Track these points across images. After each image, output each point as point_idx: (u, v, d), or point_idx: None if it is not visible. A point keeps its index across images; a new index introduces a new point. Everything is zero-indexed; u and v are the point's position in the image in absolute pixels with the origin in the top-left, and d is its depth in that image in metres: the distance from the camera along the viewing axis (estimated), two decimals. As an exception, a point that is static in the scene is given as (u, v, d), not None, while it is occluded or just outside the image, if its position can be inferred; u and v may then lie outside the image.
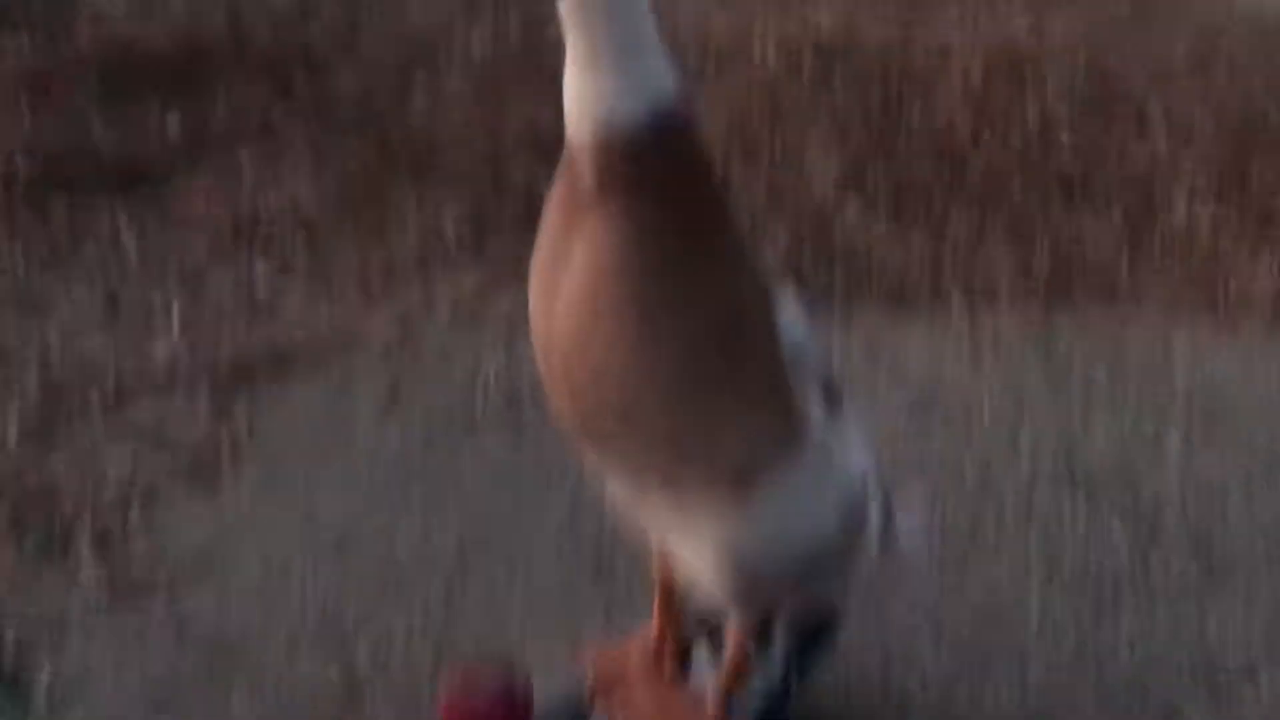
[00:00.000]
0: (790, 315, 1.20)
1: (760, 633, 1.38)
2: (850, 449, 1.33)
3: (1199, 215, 3.32)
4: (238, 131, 3.41)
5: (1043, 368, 2.42)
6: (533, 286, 1.17)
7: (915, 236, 3.15)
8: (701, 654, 1.41)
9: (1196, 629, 1.78)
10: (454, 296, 2.61)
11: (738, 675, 1.33)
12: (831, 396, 1.26)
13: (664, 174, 1.05)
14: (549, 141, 3.47)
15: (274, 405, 2.19)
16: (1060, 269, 3.02)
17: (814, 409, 1.21)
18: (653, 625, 1.45)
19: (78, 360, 2.27)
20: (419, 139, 3.48)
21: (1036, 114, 3.97)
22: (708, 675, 1.37)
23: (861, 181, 3.45)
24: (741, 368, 1.11)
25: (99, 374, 2.23)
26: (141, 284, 2.58)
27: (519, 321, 2.52)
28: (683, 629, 1.47)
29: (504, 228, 2.98)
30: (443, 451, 2.08)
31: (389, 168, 3.28)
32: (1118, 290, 2.90)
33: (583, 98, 1.05)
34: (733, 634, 1.29)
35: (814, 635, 1.49)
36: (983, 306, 2.81)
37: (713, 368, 1.09)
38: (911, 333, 2.57)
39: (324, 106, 3.63)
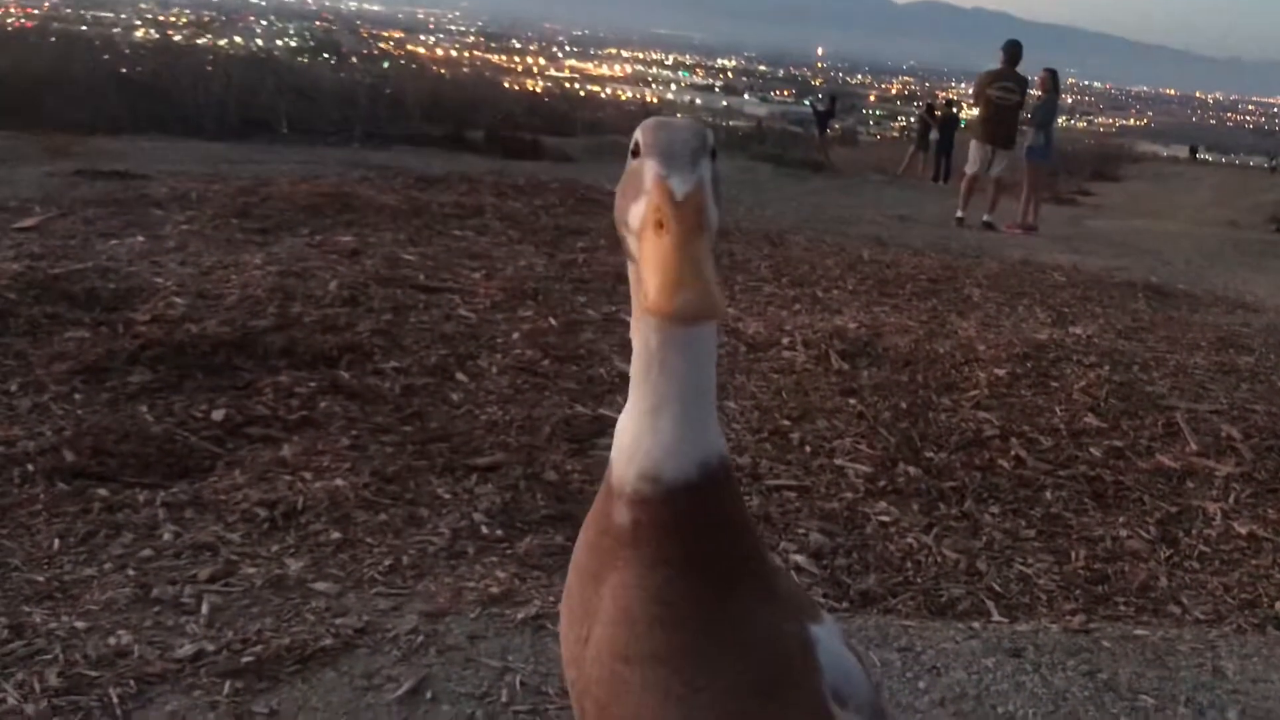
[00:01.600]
0: (833, 644, 1.17)
1: None
2: None
3: (1234, 515, 3.29)
4: (280, 422, 3.49)
5: (1085, 676, 2.34)
6: (564, 628, 1.17)
7: (949, 539, 3.14)
8: None
9: None
10: (483, 591, 2.58)
11: None
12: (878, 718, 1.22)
13: (701, 525, 1.07)
14: (582, 437, 3.56)
15: (297, 704, 2.13)
16: (1096, 570, 2.98)
17: None
18: None
19: (101, 651, 2.24)
20: (456, 432, 3.55)
21: (1065, 417, 4.02)
22: None
23: (893, 481, 3.47)
24: (779, 712, 1.08)
25: (123, 667, 2.19)
26: (173, 575, 2.58)
27: (547, 620, 2.50)
28: None
29: (536, 522, 2.99)
30: (465, 756, 2.00)
31: (426, 460, 3.33)
32: (1158, 594, 2.85)
33: (637, 446, 1.08)
34: None
35: None
36: (1021, 613, 2.75)
37: (750, 715, 1.07)
38: (947, 633, 2.51)
39: (366, 398, 3.73)
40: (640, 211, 1.04)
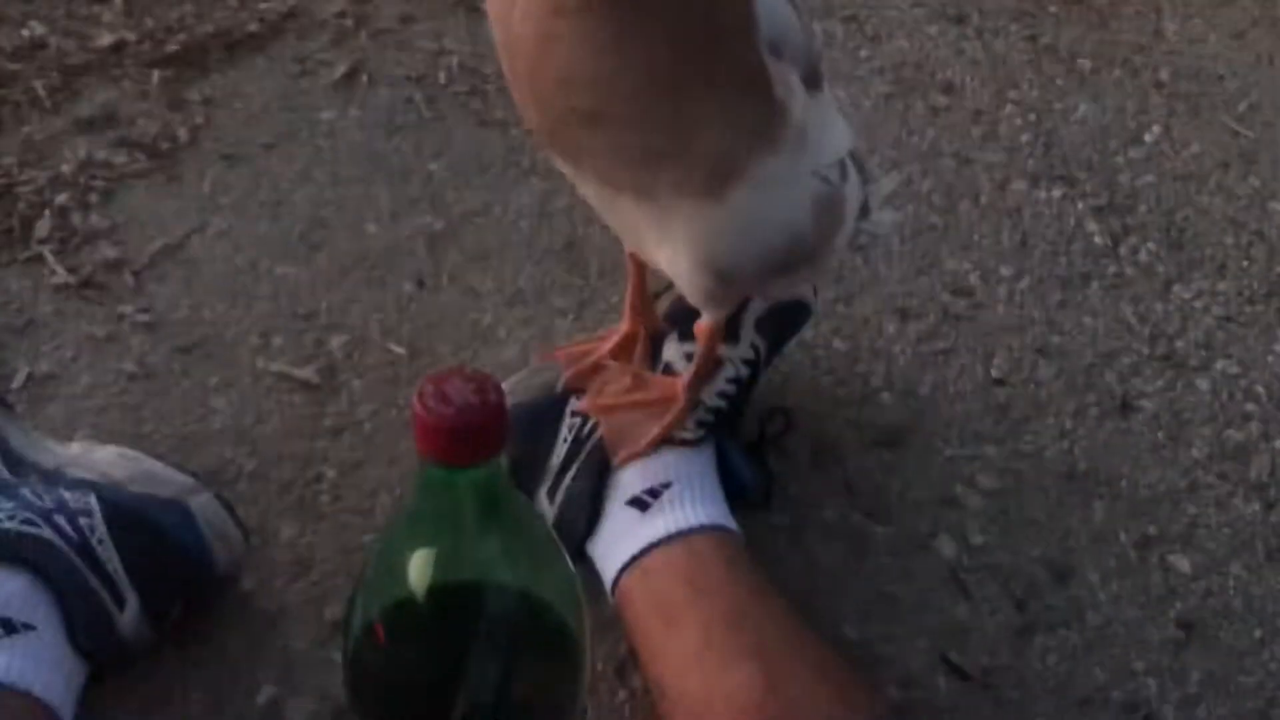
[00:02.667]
0: None
1: (729, 327, 1.39)
2: (829, 133, 1.28)
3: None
4: None
5: (1028, 50, 2.33)
6: None
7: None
8: (672, 348, 1.42)
9: (1159, 311, 1.81)
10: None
11: (707, 369, 1.35)
12: (813, 78, 1.20)
13: None
14: None
15: (228, 85, 2.10)
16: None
17: (794, 95, 1.14)
18: (624, 321, 1.46)
19: (19, 43, 2.15)
20: None
21: None
22: (679, 369, 1.38)
23: None
24: (716, 64, 1.04)
25: (44, 59, 2.11)
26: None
27: (482, -3, 2.41)
28: (655, 320, 1.47)
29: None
30: (408, 139, 2.01)
31: None
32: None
33: None
34: (702, 330, 1.29)
35: (783, 320, 1.49)
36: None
37: (685, 67, 1.02)
38: (895, 8, 2.46)
39: None
40: None
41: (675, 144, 1.10)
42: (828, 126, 1.28)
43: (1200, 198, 2.02)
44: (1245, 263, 1.91)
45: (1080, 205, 1.98)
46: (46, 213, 1.83)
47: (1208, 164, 2.10)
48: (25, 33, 2.16)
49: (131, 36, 2.17)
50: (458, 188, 1.92)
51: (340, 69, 2.14)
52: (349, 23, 2.26)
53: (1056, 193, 2.00)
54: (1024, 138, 2.11)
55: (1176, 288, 1.85)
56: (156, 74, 2.10)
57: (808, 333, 1.62)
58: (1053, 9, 2.46)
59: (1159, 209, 1.99)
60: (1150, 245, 1.92)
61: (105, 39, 2.16)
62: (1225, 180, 2.06)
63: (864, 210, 1.45)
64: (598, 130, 1.09)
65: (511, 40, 1.07)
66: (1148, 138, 2.14)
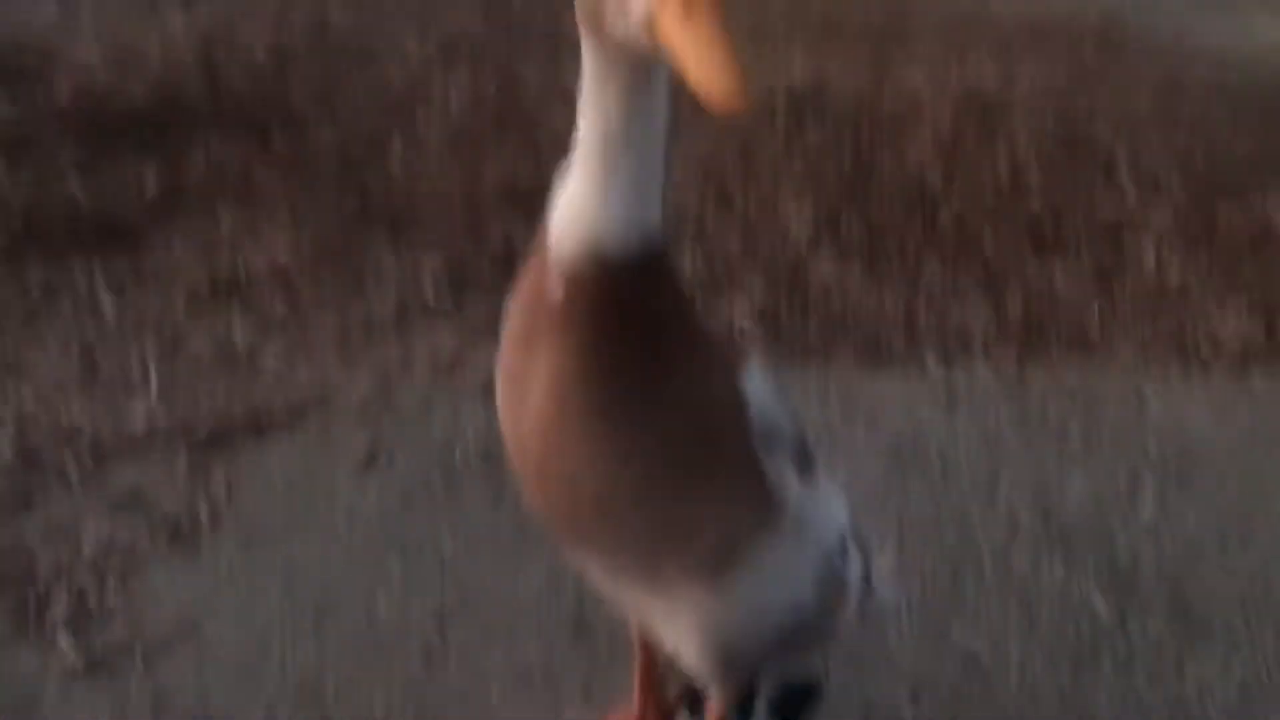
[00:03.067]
0: (760, 388, 1.20)
1: (742, 703, 1.38)
2: (826, 514, 1.34)
3: (1168, 263, 3.37)
4: (215, 187, 3.42)
5: (1018, 420, 2.44)
6: (500, 390, 1.18)
7: (889, 286, 3.19)
8: (684, 728, 1.41)
9: (1175, 688, 1.79)
10: (432, 353, 2.62)
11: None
12: (805, 461, 1.27)
13: (634, 292, 1.06)
14: (525, 195, 3.52)
15: (252, 466, 2.19)
16: (1032, 318, 3.06)
17: (789, 483, 1.21)
18: (634, 697, 1.45)
19: (54, 423, 2.26)
20: (397, 194, 3.50)
21: (1006, 162, 4.03)
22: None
23: (835, 230, 3.49)
24: (712, 462, 1.12)
25: (76, 437, 2.21)
26: (118, 343, 2.58)
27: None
28: (664, 700, 1.47)
29: (482, 283, 2.99)
30: (422, 513, 2.08)
31: (368, 223, 3.29)
32: (1090, 339, 2.95)
33: (582, 218, 1.05)
34: (713, 706, 1.29)
35: (795, 701, 1.49)
36: (957, 357, 2.84)
37: (683, 468, 1.10)
38: (886, 383, 2.59)
39: (302, 162, 3.65)
40: None
41: (677, 535, 1.16)
42: (825, 507, 1.34)
43: (1202, 569, 2.05)
44: (1253, 635, 1.90)
45: (1084, 578, 2.01)
46: (64, 594, 1.86)
47: (1206, 536, 2.13)
48: (64, 418, 2.28)
49: (163, 420, 2.29)
50: (469, 564, 1.95)
51: (362, 449, 2.23)
52: (373, 406, 2.38)
53: (1059, 565, 2.03)
54: (1022, 511, 2.17)
55: (1189, 666, 1.84)
56: (184, 455, 2.19)
57: (820, 714, 1.60)
58: (1038, 389, 2.59)
59: (1162, 581, 2.01)
60: (1157, 619, 1.92)
61: (139, 422, 2.28)
62: (1225, 551, 2.09)
63: (867, 583, 1.48)
64: (603, 523, 1.15)
65: (520, 440, 1.15)
66: (1144, 511, 2.20)
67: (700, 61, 0.87)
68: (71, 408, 2.33)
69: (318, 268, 3.01)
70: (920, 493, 2.21)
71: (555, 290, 1.06)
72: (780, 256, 3.30)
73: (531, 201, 3.54)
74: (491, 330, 2.79)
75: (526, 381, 1.11)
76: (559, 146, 1.13)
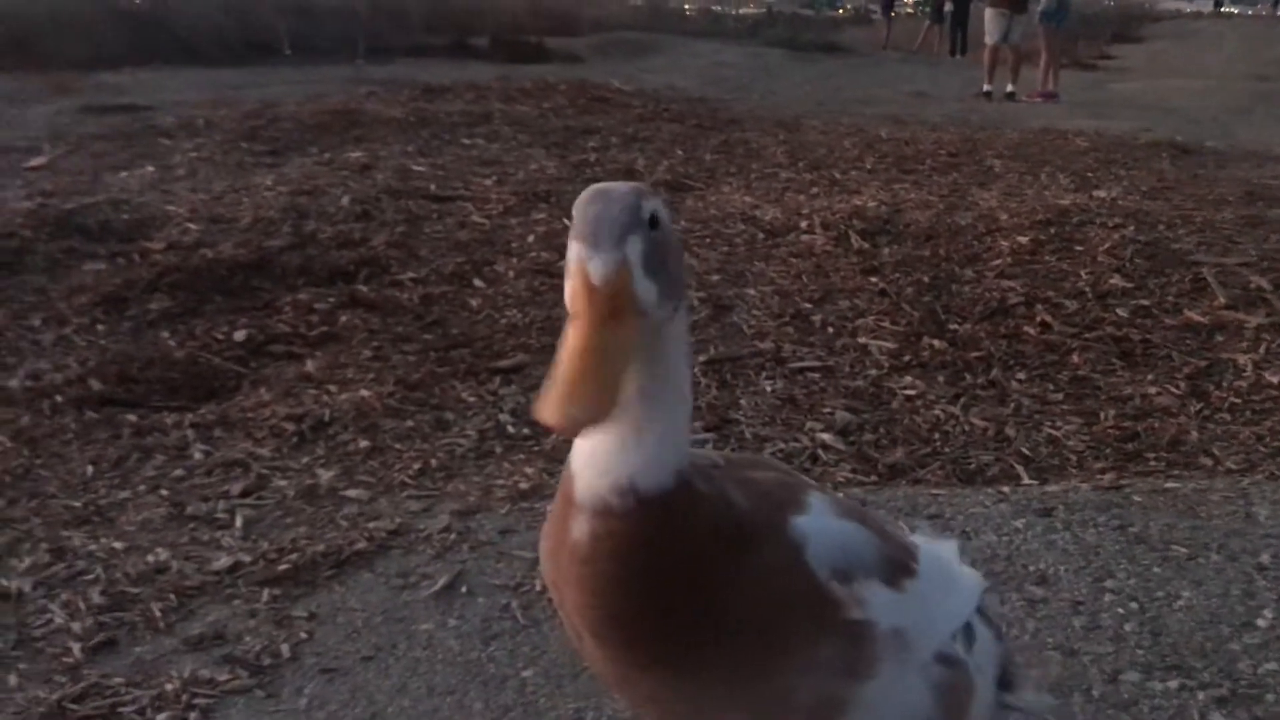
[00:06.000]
0: (821, 520, 1.17)
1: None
2: (943, 609, 1.29)
3: (1265, 365, 3.26)
4: (301, 333, 3.51)
5: (1119, 539, 2.33)
6: (565, 622, 1.17)
7: (975, 401, 3.13)
8: None
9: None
10: (511, 484, 2.61)
11: None
12: (894, 566, 1.22)
13: (667, 534, 1.04)
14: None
15: (333, 601, 2.17)
16: (1126, 428, 2.96)
17: (876, 601, 1.17)
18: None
19: (141, 564, 2.28)
20: (477, 332, 3.55)
21: (1088, 274, 3.97)
22: None
23: (916, 347, 3.45)
24: (787, 640, 1.10)
25: (163, 583, 2.23)
26: (205, 485, 2.62)
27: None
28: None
29: (561, 417, 2.99)
30: (502, 643, 2.03)
31: (449, 361, 3.34)
32: (1189, 447, 2.84)
33: (612, 460, 1.04)
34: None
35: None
36: (1050, 470, 2.75)
37: (759, 660, 1.09)
38: (976, 499, 2.51)
39: (385, 305, 3.74)
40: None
41: (766, 700, 1.12)
42: (935, 602, 1.27)
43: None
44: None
45: (1200, 696, 1.88)
46: (146, 732, 1.84)
47: (1333, 649, 2.00)
48: (150, 558, 2.30)
49: (247, 558, 2.30)
50: (550, 695, 1.90)
51: (441, 580, 2.21)
52: (452, 536, 2.37)
53: (1173, 684, 1.91)
54: (1128, 627, 2.05)
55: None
56: (266, 592, 2.19)
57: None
58: (1138, 499, 2.48)
59: (1288, 696, 1.88)
60: (1286, 737, 1.79)
61: (222, 561, 2.29)
62: (1356, 664, 1.96)
63: (1008, 680, 1.41)
64: (699, 717, 1.15)
65: (592, 664, 1.15)
66: (1260, 623, 2.07)
67: (557, 364, 0.94)
68: (158, 549, 2.35)
69: (401, 405, 3.05)
70: (1018, 609, 2.11)
71: (580, 530, 1.05)
72: (861, 375, 3.26)
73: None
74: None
75: (575, 623, 1.11)
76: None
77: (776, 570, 1.10)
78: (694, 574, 1.05)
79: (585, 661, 1.16)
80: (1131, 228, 4.45)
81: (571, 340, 0.95)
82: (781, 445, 2.84)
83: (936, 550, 1.36)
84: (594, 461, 1.05)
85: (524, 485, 2.60)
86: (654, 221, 1.00)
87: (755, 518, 1.11)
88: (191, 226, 4.42)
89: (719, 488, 1.11)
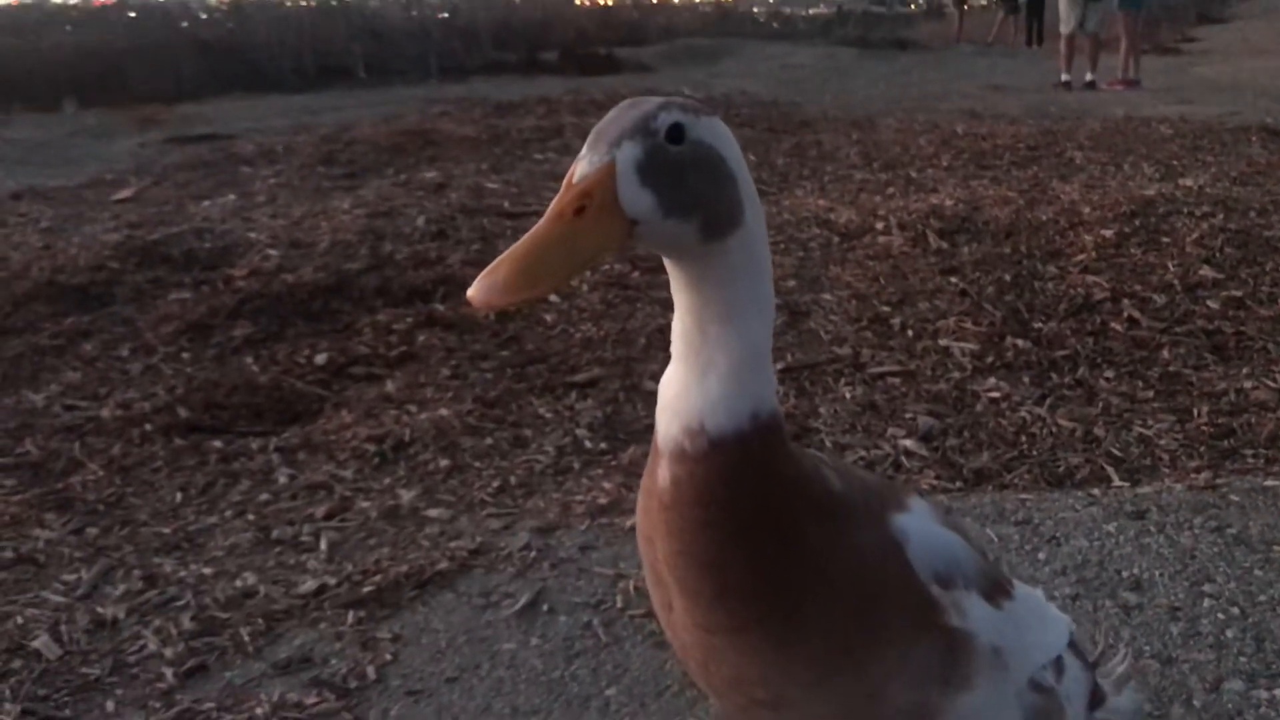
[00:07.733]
0: (922, 524, 1.14)
1: None
2: (1036, 637, 1.26)
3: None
4: (381, 355, 3.55)
5: (1216, 541, 2.25)
6: (649, 589, 1.15)
7: (1062, 401, 3.05)
8: None
9: None
10: (590, 499, 2.60)
11: None
12: (997, 588, 1.20)
13: (746, 481, 1.02)
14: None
15: (417, 621, 2.18)
16: (1221, 425, 2.87)
17: (975, 620, 1.14)
18: None
19: (230, 589, 2.32)
20: (553, 348, 3.56)
21: (1177, 266, 3.86)
22: None
23: (1000, 348, 3.37)
24: (882, 630, 1.06)
25: (251, 607, 2.26)
26: (290, 509, 2.66)
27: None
28: None
29: (638, 431, 2.99)
30: (585, 661, 2.03)
31: (526, 378, 3.35)
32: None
33: (682, 401, 1.03)
34: None
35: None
36: (1142, 470, 2.67)
37: (853, 644, 1.05)
38: (1066, 502, 2.45)
39: (462, 324, 3.76)
40: None
41: (864, 711, 1.09)
42: (1030, 629, 1.24)
43: None
44: None
45: (1310, 704, 1.81)
46: (237, 757, 1.87)
47: None
48: (238, 583, 2.34)
49: (332, 581, 2.32)
50: (634, 713, 1.89)
51: (523, 599, 2.21)
52: (532, 554, 2.37)
53: (1279, 692, 1.84)
54: (1229, 633, 1.98)
55: None
56: (351, 614, 2.21)
57: None
58: (1236, 498, 2.40)
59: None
60: None
61: (308, 584, 2.32)
62: None
63: (1097, 700, 1.37)
64: (781, 713, 1.10)
65: (677, 642, 1.11)
66: (1372, 624, 1.98)
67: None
68: (246, 574, 2.38)
69: (479, 423, 3.07)
70: (1112, 616, 2.05)
71: (663, 475, 1.04)
72: (943, 378, 3.20)
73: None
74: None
75: (665, 585, 1.09)
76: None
77: (874, 553, 1.08)
78: (781, 526, 1.02)
79: (671, 639, 1.12)
80: (1220, 216, 4.32)
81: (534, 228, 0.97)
82: (863, 453, 2.79)
83: (1027, 589, 1.33)
84: (670, 404, 1.04)
85: (602, 500, 2.60)
86: (676, 135, 1.00)
87: (852, 499, 1.09)
88: (272, 252, 4.50)
89: (813, 461, 1.09)
